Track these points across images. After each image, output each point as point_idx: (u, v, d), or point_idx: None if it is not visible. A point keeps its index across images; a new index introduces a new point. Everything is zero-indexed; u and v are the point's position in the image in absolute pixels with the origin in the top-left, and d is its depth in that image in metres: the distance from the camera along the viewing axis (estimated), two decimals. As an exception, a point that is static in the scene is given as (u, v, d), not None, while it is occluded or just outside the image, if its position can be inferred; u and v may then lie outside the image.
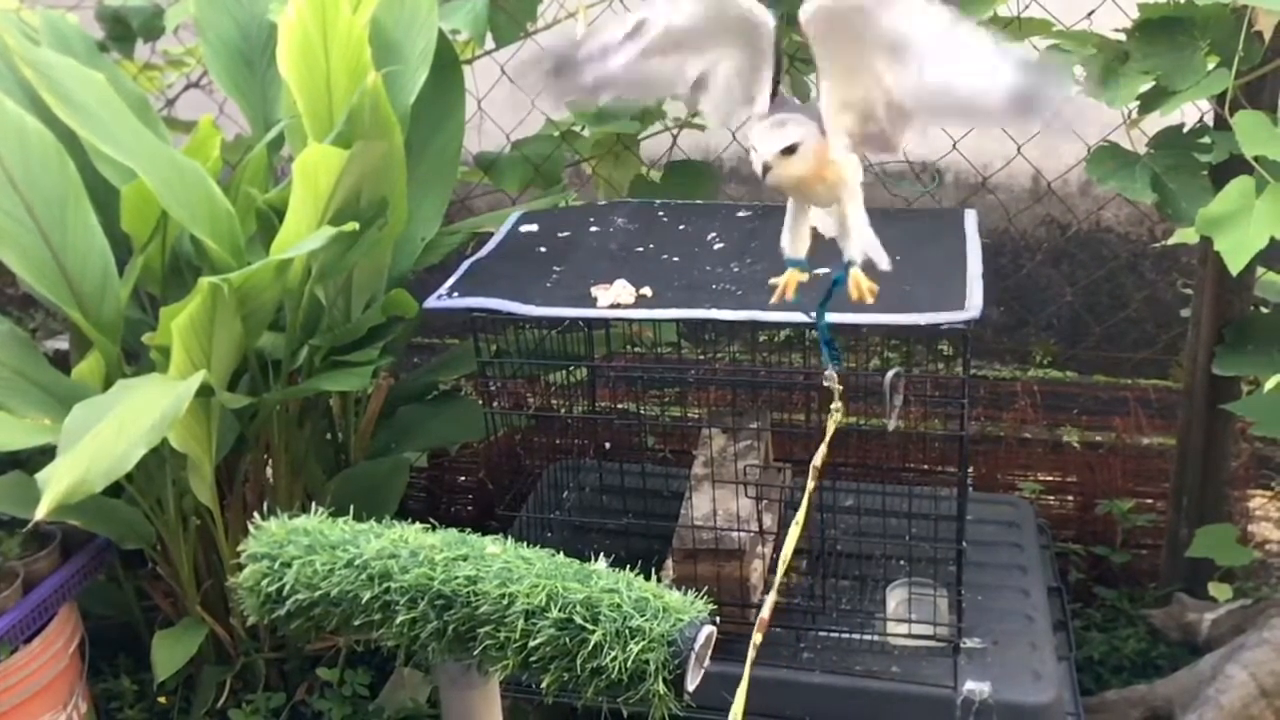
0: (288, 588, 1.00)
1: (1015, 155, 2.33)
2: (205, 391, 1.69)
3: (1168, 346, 2.64)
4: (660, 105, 2.26)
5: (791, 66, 2.05)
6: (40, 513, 1.46)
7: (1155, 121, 1.73)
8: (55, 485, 1.46)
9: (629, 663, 0.89)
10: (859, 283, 1.28)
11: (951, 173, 2.86)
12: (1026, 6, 1.92)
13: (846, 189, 1.25)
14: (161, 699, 2.07)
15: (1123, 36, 1.73)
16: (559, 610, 0.92)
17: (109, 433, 1.51)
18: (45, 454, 1.59)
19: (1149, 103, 1.69)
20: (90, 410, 1.56)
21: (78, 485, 1.47)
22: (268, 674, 2.08)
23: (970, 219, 1.86)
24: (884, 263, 1.31)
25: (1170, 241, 2.19)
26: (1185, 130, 1.75)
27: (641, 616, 0.91)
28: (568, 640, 0.92)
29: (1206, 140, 1.72)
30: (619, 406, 2.30)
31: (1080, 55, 1.73)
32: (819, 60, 1.17)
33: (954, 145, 2.33)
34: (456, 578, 0.97)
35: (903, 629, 1.71)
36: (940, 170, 2.82)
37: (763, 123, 1.20)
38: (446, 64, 2.03)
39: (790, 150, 1.18)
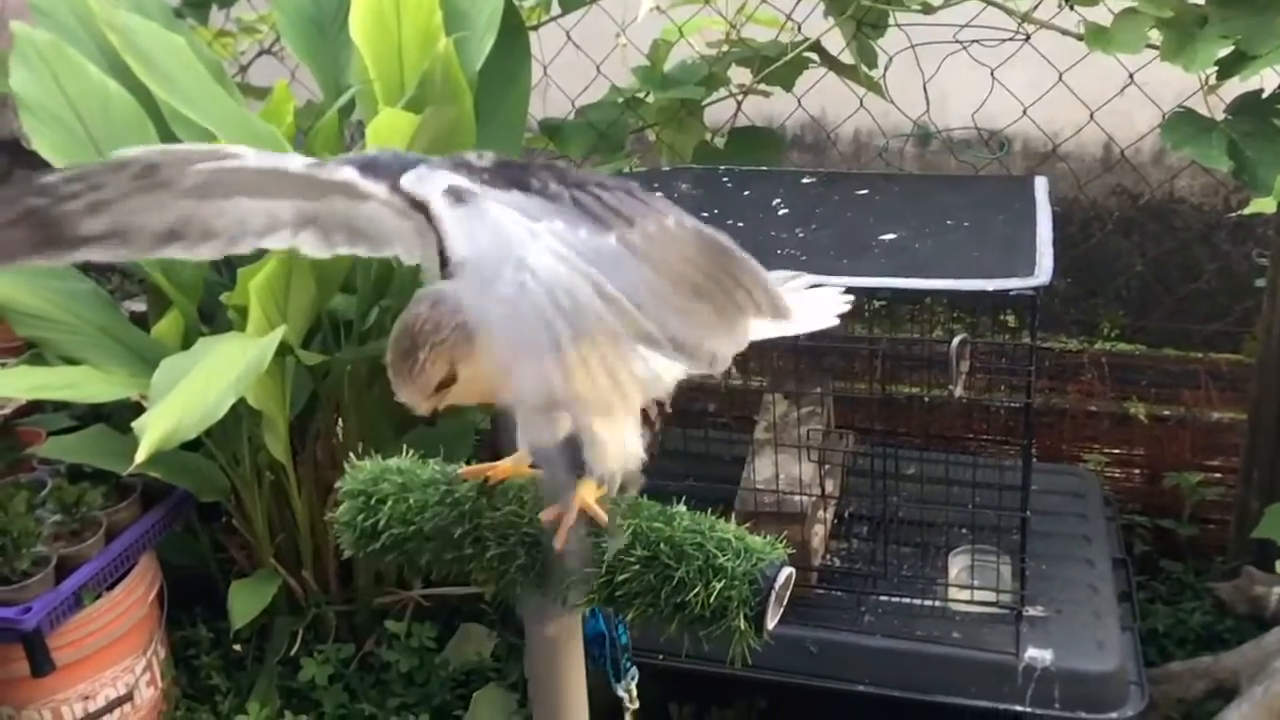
0: (383, 523, 1.02)
1: (1087, 122, 2.29)
2: (281, 350, 1.74)
3: (1241, 319, 2.59)
4: (725, 71, 2.25)
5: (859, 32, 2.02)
6: (140, 456, 1.52)
7: (1233, 87, 1.69)
8: (152, 432, 1.53)
9: (711, 599, 0.91)
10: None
11: (1020, 141, 2.81)
12: (1102, -31, 1.88)
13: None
14: (236, 646, 2.14)
15: (1201, 0, 1.70)
16: (644, 548, 0.94)
17: (198, 384, 1.57)
18: (127, 409, 1.65)
19: (1227, 68, 1.66)
20: (176, 365, 1.62)
21: (172, 433, 1.54)
22: (338, 626, 2.14)
23: (1041, 185, 1.84)
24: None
25: (1246, 211, 2.14)
26: (1264, 96, 1.72)
27: (724, 555, 0.93)
28: (652, 577, 0.93)
29: (1287, 106, 1.68)
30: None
31: (1157, 19, 1.70)
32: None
33: (1024, 111, 2.30)
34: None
35: (965, 595, 1.71)
36: (1008, 138, 2.78)
37: (397, 335, 0.81)
38: (513, 29, 2.05)
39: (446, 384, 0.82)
